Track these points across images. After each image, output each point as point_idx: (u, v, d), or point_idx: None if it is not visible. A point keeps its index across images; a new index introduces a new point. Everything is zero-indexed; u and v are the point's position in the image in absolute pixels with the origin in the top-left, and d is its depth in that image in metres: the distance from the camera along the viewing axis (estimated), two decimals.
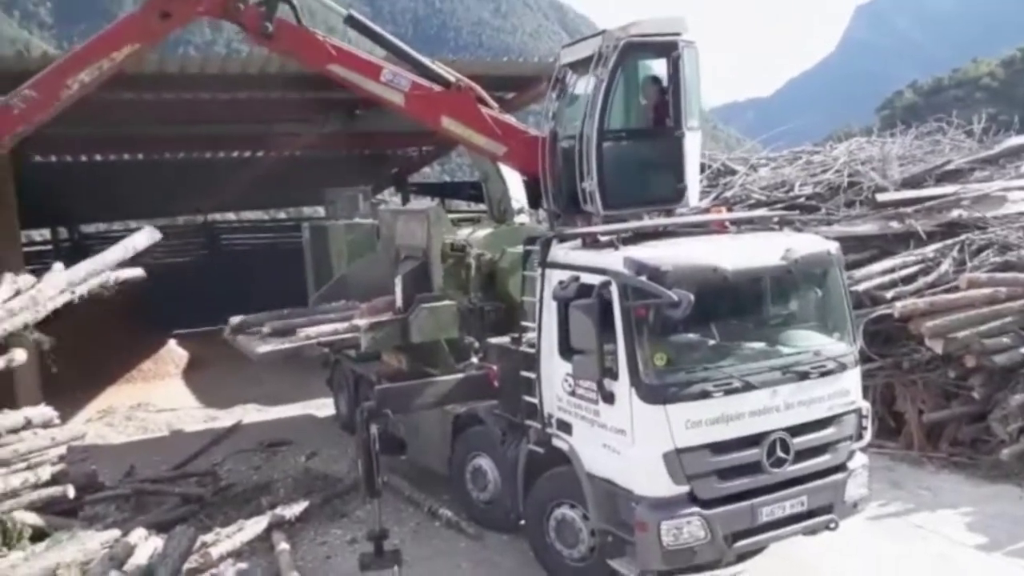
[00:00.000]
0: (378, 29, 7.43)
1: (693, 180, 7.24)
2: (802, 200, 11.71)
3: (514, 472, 7.04)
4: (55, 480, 7.11)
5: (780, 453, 5.89)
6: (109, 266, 8.09)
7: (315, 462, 10.11)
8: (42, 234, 22.92)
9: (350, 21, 7.44)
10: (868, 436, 6.50)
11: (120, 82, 11.13)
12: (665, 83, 7.14)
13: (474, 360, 8.46)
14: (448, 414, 8.07)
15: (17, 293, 7.39)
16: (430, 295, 8.88)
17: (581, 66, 7.19)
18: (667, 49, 6.94)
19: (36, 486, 6.93)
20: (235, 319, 9.30)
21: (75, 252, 22.82)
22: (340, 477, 9.22)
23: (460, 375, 8.06)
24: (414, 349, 9.07)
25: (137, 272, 8.19)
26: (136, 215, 24.35)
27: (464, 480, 8.02)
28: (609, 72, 6.83)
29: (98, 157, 17.32)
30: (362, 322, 8.72)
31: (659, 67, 7.22)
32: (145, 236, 8.59)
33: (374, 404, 7.12)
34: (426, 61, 7.51)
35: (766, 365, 5.99)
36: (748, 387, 5.80)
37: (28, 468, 6.93)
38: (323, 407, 12.65)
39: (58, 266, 8.11)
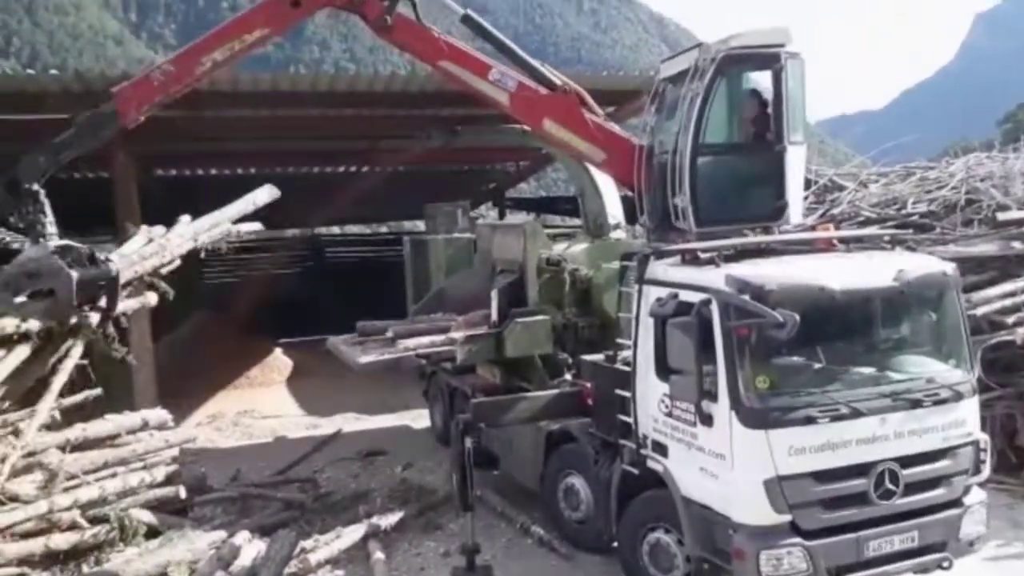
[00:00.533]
0: (492, 29, 7.56)
1: (796, 197, 6.96)
2: (916, 218, 11.14)
3: (607, 493, 6.94)
4: (168, 481, 7.45)
5: (889, 485, 5.61)
6: (231, 219, 8.68)
7: (411, 473, 10.27)
8: None
9: (467, 20, 7.60)
10: (986, 471, 6.11)
11: (236, 99, 11.78)
12: (767, 96, 6.95)
13: (568, 376, 8.44)
14: (541, 430, 8.05)
15: (150, 241, 8.16)
16: (525, 310, 8.92)
17: (679, 80, 7.04)
18: (768, 61, 6.71)
19: (151, 486, 7.28)
20: (337, 338, 9.59)
21: (191, 260, 24.05)
22: (435, 489, 9.33)
23: (554, 391, 8.05)
24: (508, 363, 9.13)
25: (255, 226, 8.85)
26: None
27: (556, 498, 7.97)
28: (705, 85, 6.67)
29: (213, 171, 18.21)
30: (458, 335, 8.84)
31: (761, 80, 6.99)
32: (266, 192, 9.17)
33: (469, 417, 7.19)
34: (535, 63, 7.56)
35: (875, 391, 5.73)
36: (855, 414, 5.55)
37: (144, 468, 7.29)
38: (419, 418, 12.86)
39: (185, 218, 8.72)
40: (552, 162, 17.94)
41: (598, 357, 7.35)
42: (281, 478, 10.19)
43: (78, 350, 6.85)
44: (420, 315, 10.22)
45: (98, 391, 7.62)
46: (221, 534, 7.29)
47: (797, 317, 5.18)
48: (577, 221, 12.89)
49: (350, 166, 18.31)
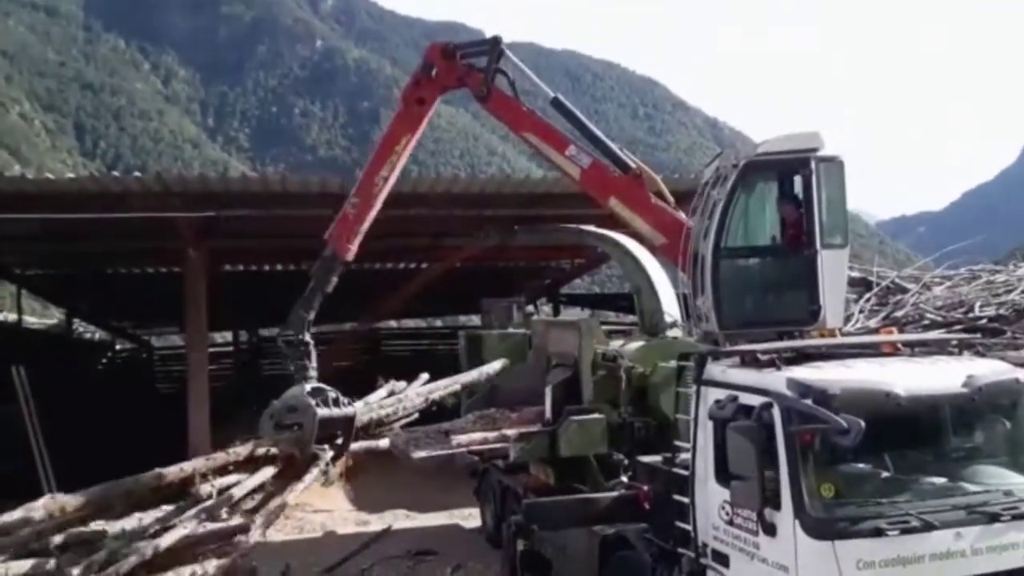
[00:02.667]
0: (578, 114, 8.16)
1: (833, 300, 6.85)
2: (984, 322, 10.84)
3: None
4: (220, 574, 7.42)
5: None
6: (461, 383, 10.28)
7: (461, 575, 10.03)
8: (224, 336, 24.93)
9: (555, 103, 8.23)
10: None
11: (305, 200, 12.29)
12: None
13: (623, 478, 8.23)
14: (596, 535, 7.80)
15: (391, 394, 9.75)
16: (580, 408, 8.82)
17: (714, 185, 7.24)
18: (796, 167, 6.79)
19: None
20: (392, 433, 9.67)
21: (253, 353, 24.64)
22: None
23: (610, 494, 7.84)
24: (562, 463, 8.97)
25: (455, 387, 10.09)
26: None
27: None
28: (728, 191, 6.82)
29: (279, 267, 18.83)
30: (511, 432, 8.76)
31: (795, 183, 7.06)
32: (498, 365, 10.57)
33: (521, 519, 7.04)
34: (614, 147, 7.96)
35: (948, 503, 5.44)
36: (928, 526, 5.26)
37: (196, 561, 7.28)
38: (470, 517, 12.64)
39: (423, 376, 10.40)
40: (607, 260, 18.08)
41: (655, 459, 7.17)
42: (330, 575, 10.05)
43: (311, 477, 7.79)
44: (473, 410, 10.20)
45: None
46: None
47: (862, 423, 5.02)
48: (632, 318, 12.86)
49: (410, 263, 18.75)
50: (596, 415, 8.62)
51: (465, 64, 8.38)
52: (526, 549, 7.79)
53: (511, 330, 12.12)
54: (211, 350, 17.60)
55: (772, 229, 7.10)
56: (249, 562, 8.09)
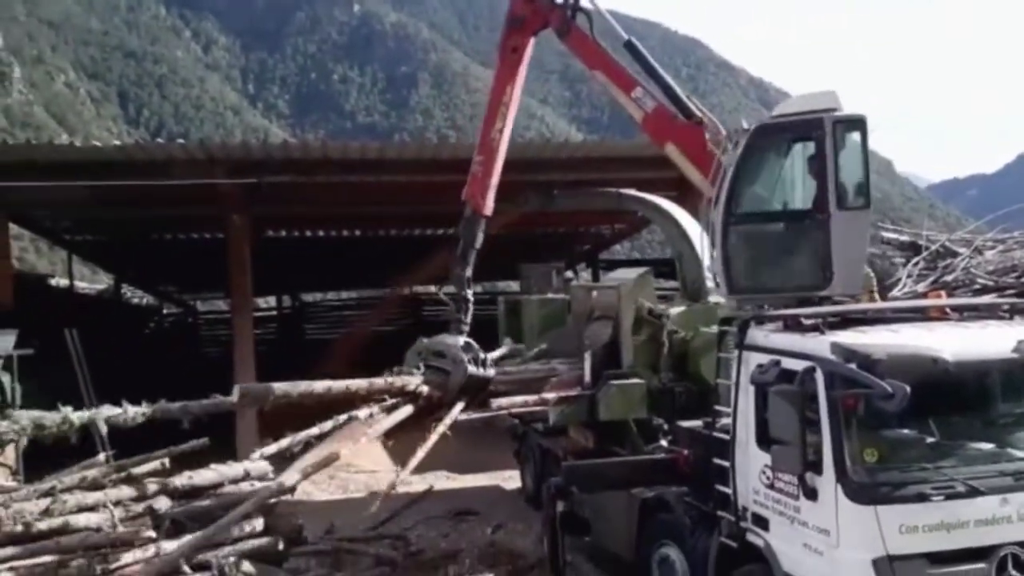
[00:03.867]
0: (649, 58, 8.26)
1: (849, 265, 6.61)
2: None
3: (704, 566, 6.66)
4: (267, 531, 7.65)
5: (1013, 571, 5.19)
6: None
7: (501, 535, 10.17)
8: (267, 301, 25.35)
9: (628, 46, 8.36)
10: None
11: (345, 166, 12.37)
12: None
13: (663, 443, 8.24)
14: (635, 497, 7.84)
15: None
16: (619, 372, 8.82)
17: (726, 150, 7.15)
18: (810, 129, 6.58)
19: (251, 535, 7.49)
20: None
21: (296, 318, 25.04)
22: (524, 553, 9.20)
23: (649, 457, 7.87)
24: (601, 427, 8.99)
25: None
26: (350, 286, 26.36)
27: (651, 569, 7.69)
28: (738, 156, 6.73)
29: (320, 232, 19.03)
30: (551, 396, 8.79)
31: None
32: None
33: (561, 481, 7.11)
34: (682, 95, 7.99)
35: (995, 469, 5.37)
36: (973, 492, 5.20)
37: (245, 518, 7.51)
38: (510, 479, 12.78)
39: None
40: (648, 225, 17.93)
41: (696, 424, 7.17)
42: (373, 534, 10.27)
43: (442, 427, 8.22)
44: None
45: (204, 440, 7.95)
46: None
47: (908, 388, 4.94)
48: (673, 284, 12.77)
49: (449, 228, 18.80)
50: (636, 380, 8.62)
51: (548, 2, 8.69)
52: (565, 510, 7.85)
53: (550, 296, 12.11)
54: (255, 315, 17.96)
55: (785, 194, 6.94)
56: (295, 520, 8.34)
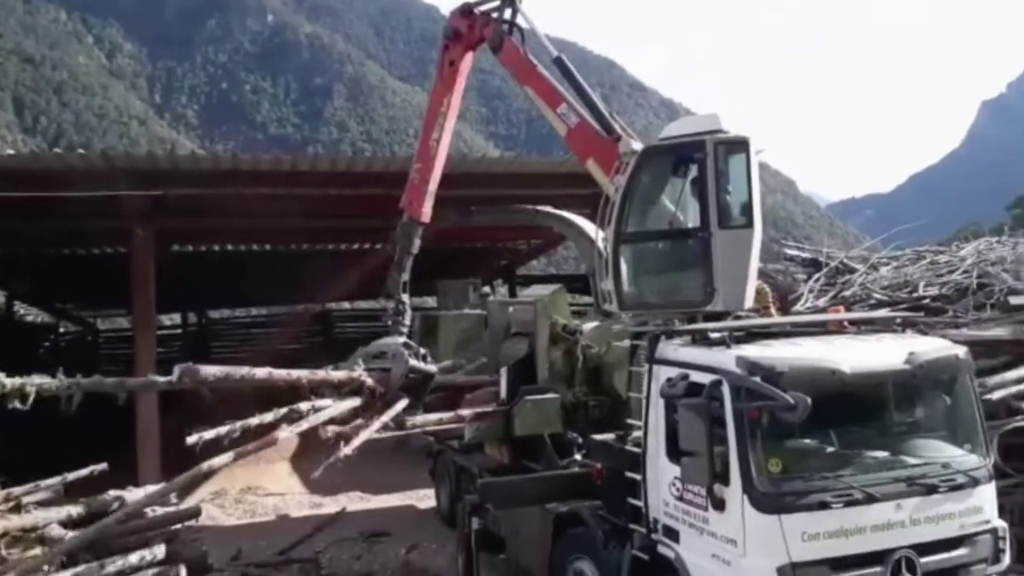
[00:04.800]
0: (578, 77, 8.39)
1: (733, 282, 6.73)
2: (927, 302, 11.12)
3: None
4: (169, 559, 7.31)
5: (906, 573, 5.44)
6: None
7: (415, 555, 10.05)
8: (172, 318, 24.43)
9: (557, 62, 8.49)
10: (1007, 560, 5.93)
11: (256, 178, 12.05)
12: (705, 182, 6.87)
13: (577, 457, 8.31)
14: (550, 513, 7.86)
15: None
16: (535, 387, 8.86)
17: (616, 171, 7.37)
18: (693, 150, 6.79)
19: (152, 564, 7.14)
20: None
21: (202, 336, 24.19)
22: (439, 573, 9.11)
23: (563, 472, 7.92)
24: (517, 443, 9.01)
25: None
26: (260, 302, 25.69)
27: None
28: (627, 178, 6.96)
29: (229, 247, 18.47)
30: (466, 412, 8.76)
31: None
32: None
33: (476, 498, 7.07)
34: (605, 111, 8.08)
35: (889, 476, 5.63)
36: (870, 499, 5.44)
37: (145, 546, 7.16)
38: (424, 498, 12.64)
39: None
40: (563, 241, 18.12)
41: (608, 437, 7.25)
42: (282, 558, 9.97)
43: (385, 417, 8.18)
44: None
45: (103, 465, 7.56)
46: None
47: (809, 400, 5.14)
48: (588, 299, 12.94)
49: (363, 243, 18.56)
50: (551, 394, 8.67)
51: (483, 17, 8.96)
52: (481, 528, 7.82)
53: (467, 311, 12.08)
54: (158, 332, 17.27)
55: (671, 213, 7.08)
56: (199, 546, 8.00)
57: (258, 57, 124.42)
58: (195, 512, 7.94)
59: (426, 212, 9.45)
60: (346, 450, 7.54)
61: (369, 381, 8.35)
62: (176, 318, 24.53)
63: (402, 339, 8.94)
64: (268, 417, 7.55)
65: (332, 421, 7.89)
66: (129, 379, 7.06)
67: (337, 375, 8.38)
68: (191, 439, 7.29)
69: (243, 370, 7.84)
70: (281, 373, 8.01)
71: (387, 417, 8.13)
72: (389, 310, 9.48)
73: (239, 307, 26.53)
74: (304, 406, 7.77)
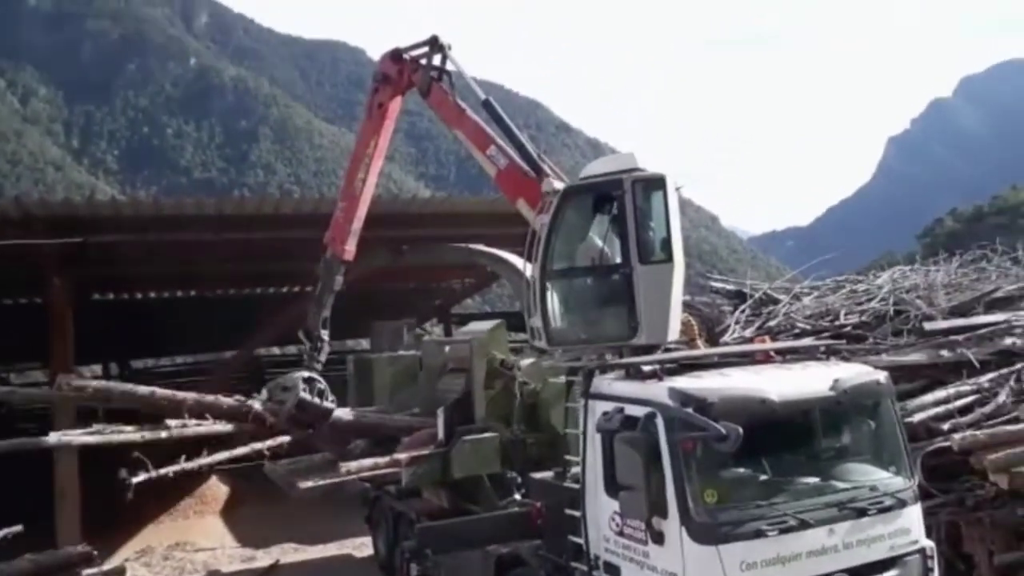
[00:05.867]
0: (506, 119, 8.58)
1: (656, 316, 6.85)
2: (848, 329, 11.52)
3: None
4: None
5: None
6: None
7: None
8: (92, 369, 23.44)
9: (486, 105, 8.66)
10: None
11: (180, 223, 11.78)
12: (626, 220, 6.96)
13: (517, 496, 8.26)
14: (490, 555, 7.77)
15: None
16: (472, 427, 8.80)
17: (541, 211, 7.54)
18: (611, 188, 6.94)
19: None
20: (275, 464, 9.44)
21: None
22: None
23: (503, 512, 7.85)
24: (455, 485, 8.91)
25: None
26: (186, 350, 24.92)
27: None
28: (551, 217, 7.12)
29: (152, 294, 17.93)
30: (403, 456, 8.63)
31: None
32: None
33: (414, 544, 6.94)
34: (532, 152, 8.24)
35: (821, 501, 5.75)
36: (804, 525, 5.54)
37: None
38: (361, 546, 12.34)
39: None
40: (497, 279, 18.20)
41: (547, 475, 7.24)
42: None
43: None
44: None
45: (19, 527, 7.17)
46: None
47: (740, 429, 5.23)
48: (524, 336, 12.97)
49: (293, 286, 18.25)
50: (489, 433, 8.62)
51: (413, 63, 9.19)
52: (420, 574, 7.66)
53: (401, 353, 11.96)
54: None
55: (592, 250, 7.20)
56: None
57: (181, 101, 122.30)
58: (119, 572, 7.59)
59: (349, 250, 9.65)
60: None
61: (257, 409, 8.64)
62: (97, 369, 23.54)
63: (307, 373, 9.10)
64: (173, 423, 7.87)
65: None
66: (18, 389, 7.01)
67: (225, 402, 8.59)
68: (123, 475, 7.18)
69: (125, 386, 7.92)
70: (165, 393, 8.26)
71: (263, 446, 8.44)
72: (307, 345, 9.67)
73: (164, 356, 25.66)
74: (173, 423, 8.00)
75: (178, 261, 14.03)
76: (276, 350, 27.16)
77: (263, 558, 12.53)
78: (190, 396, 8.33)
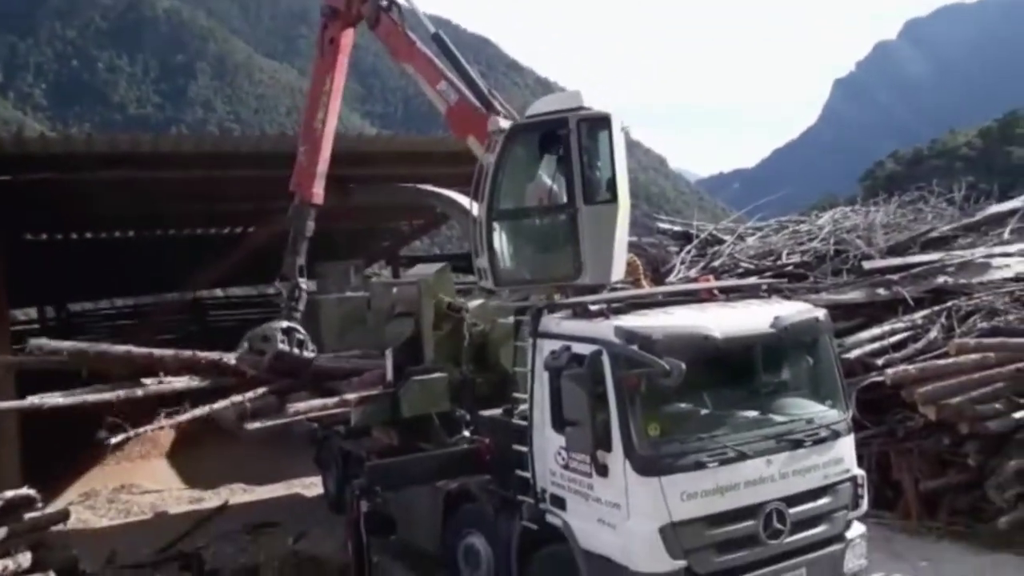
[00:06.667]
0: (456, 54, 8.40)
1: (600, 256, 6.90)
2: (790, 269, 11.80)
3: (508, 551, 6.85)
4: (35, 566, 6.87)
5: (777, 524, 5.81)
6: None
7: (303, 544, 9.82)
8: (27, 313, 22.76)
9: (436, 38, 8.45)
10: (865, 505, 6.43)
11: (115, 161, 11.34)
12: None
13: (466, 434, 8.36)
14: (439, 491, 7.89)
15: None
16: (421, 367, 8.82)
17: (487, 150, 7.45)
18: (556, 127, 6.92)
19: (16, 573, 6.69)
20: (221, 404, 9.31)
21: (62, 330, 22.68)
22: (328, 559, 8.96)
23: (453, 449, 7.94)
24: (405, 424, 8.94)
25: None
26: (125, 292, 24.32)
27: (456, 560, 7.79)
28: (496, 156, 7.07)
29: (88, 235, 17.34)
30: (351, 396, 8.62)
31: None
32: None
33: (364, 481, 6.99)
34: (483, 87, 8.10)
35: (760, 434, 5.96)
36: (742, 456, 5.75)
37: (8, 555, 6.70)
38: (311, 486, 12.40)
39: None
40: (446, 220, 18.06)
41: (495, 412, 7.34)
42: (161, 557, 9.56)
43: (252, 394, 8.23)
44: None
45: None
46: None
47: (683, 365, 5.36)
48: (472, 278, 12.97)
49: (236, 227, 17.84)
50: (438, 374, 8.65)
51: None
52: (370, 511, 7.74)
53: (349, 294, 11.85)
54: (12, 329, 16.03)
55: (541, 190, 7.19)
56: (68, 551, 7.57)
57: (112, 33, 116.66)
58: (63, 516, 7.50)
59: (318, 193, 9.36)
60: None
61: (233, 363, 8.47)
62: (32, 313, 22.84)
63: (285, 324, 8.92)
64: (138, 392, 7.70)
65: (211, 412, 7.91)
66: None
67: (203, 356, 8.41)
68: (102, 436, 7.07)
69: (100, 347, 7.63)
70: (142, 351, 7.82)
71: (242, 398, 8.21)
72: (284, 294, 9.44)
73: (102, 298, 24.99)
74: (149, 381, 7.81)
75: (113, 201, 13.54)
76: (219, 292, 26.72)
77: (211, 499, 12.52)
78: (168, 353, 8.10)
